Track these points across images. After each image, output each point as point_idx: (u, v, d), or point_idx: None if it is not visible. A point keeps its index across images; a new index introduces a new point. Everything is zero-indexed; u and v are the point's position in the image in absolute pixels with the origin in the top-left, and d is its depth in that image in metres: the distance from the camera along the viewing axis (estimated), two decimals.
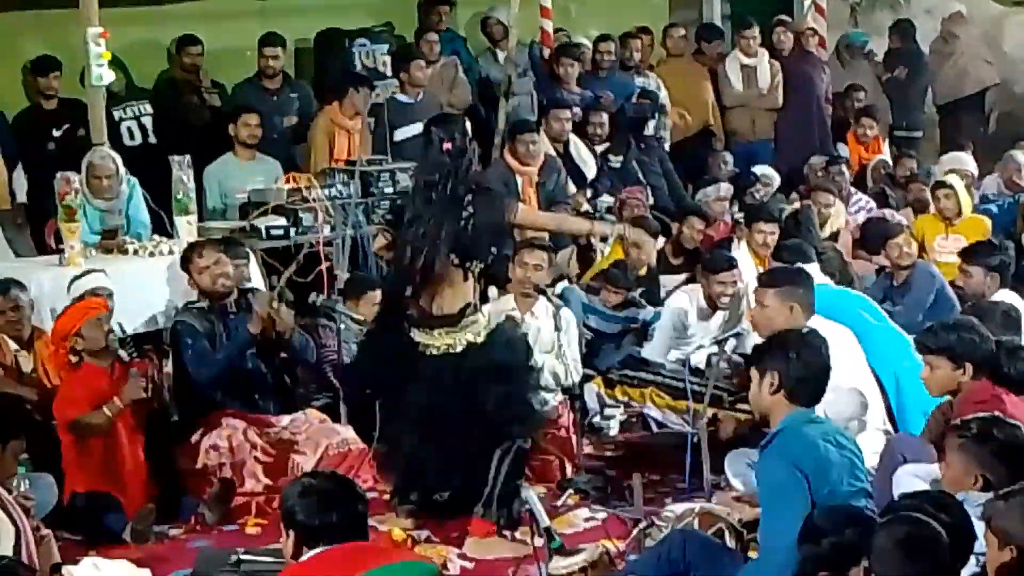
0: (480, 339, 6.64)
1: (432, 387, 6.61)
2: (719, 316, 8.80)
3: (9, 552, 5.60)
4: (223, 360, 7.61)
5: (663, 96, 12.55)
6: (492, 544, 6.58)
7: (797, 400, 5.34)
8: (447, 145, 6.65)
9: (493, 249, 6.80)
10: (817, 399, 5.44)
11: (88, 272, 8.09)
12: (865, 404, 7.00)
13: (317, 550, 4.37)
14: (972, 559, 4.63)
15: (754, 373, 5.46)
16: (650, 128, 12.26)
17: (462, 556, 6.52)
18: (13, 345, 7.60)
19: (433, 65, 11.68)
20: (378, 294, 8.01)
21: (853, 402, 6.90)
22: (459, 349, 6.61)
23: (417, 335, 6.64)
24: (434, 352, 6.62)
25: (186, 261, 7.91)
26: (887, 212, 11.11)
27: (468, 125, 6.86)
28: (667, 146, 12.58)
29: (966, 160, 12.02)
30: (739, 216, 10.80)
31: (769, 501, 5.27)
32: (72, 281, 8.03)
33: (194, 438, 7.40)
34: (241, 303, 7.83)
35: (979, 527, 4.64)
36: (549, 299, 8.02)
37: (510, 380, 6.66)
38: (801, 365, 5.36)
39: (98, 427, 6.92)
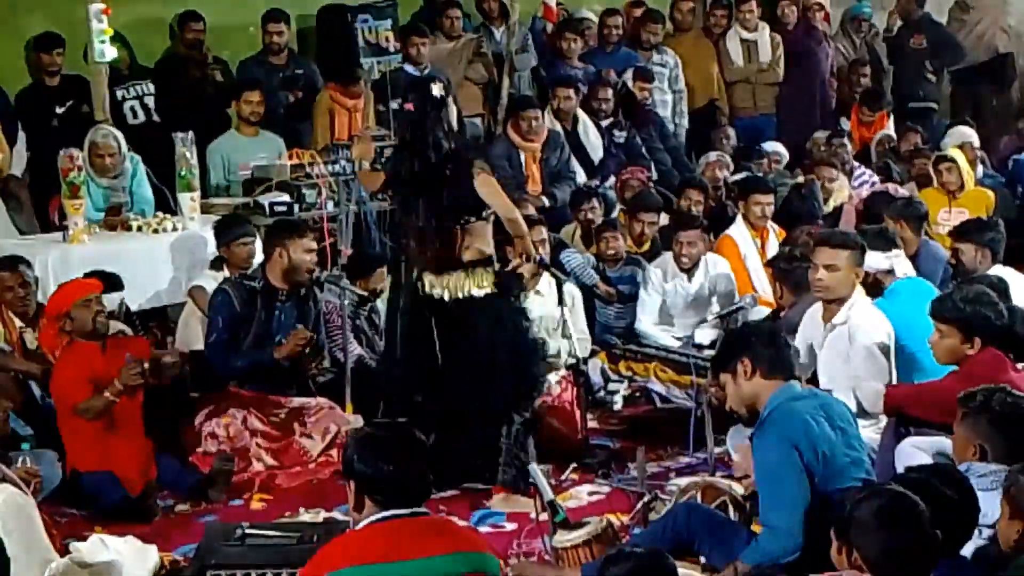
0: (484, 291, 6.82)
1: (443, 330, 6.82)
2: (698, 278, 8.98)
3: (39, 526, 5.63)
4: (238, 368, 7.50)
5: (679, 73, 12.53)
6: (514, 500, 6.80)
7: (776, 374, 5.39)
8: (408, 106, 6.98)
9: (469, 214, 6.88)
10: (792, 370, 5.49)
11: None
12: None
13: (375, 517, 4.27)
14: (976, 531, 4.66)
15: (724, 377, 5.50)
16: (657, 104, 12.25)
17: None
18: (19, 322, 7.58)
19: (455, 41, 11.67)
20: (385, 271, 7.99)
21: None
22: (461, 296, 6.80)
23: (427, 279, 6.84)
24: (442, 296, 6.81)
25: (285, 234, 7.68)
26: (891, 186, 11.09)
27: (436, 88, 6.88)
28: (685, 121, 12.58)
29: (970, 134, 12.01)
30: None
31: (768, 480, 5.29)
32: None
33: (198, 419, 7.37)
34: (292, 292, 7.68)
35: (982, 497, 4.66)
36: (553, 274, 8.01)
37: (516, 340, 6.90)
38: (766, 339, 5.45)
39: (100, 410, 6.86)
